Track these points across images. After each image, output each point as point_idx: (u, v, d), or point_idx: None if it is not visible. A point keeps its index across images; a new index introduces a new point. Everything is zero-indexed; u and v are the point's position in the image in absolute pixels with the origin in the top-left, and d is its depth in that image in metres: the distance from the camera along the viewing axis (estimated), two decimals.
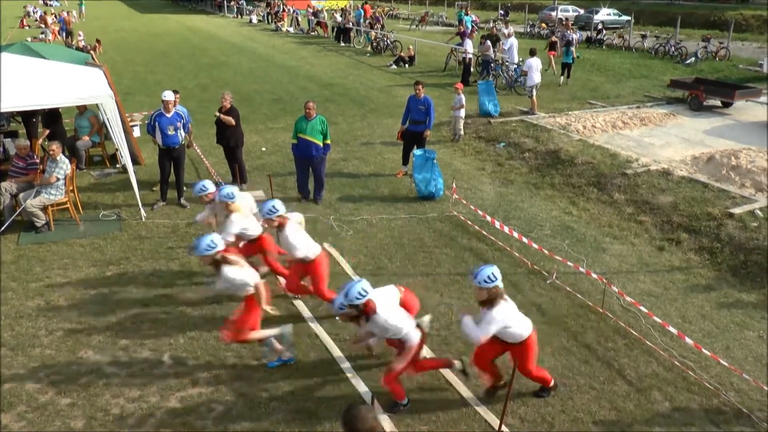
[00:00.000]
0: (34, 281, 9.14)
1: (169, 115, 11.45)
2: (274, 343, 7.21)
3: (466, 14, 37.60)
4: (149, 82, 15.30)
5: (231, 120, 12.15)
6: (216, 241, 6.71)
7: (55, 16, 41.64)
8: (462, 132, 16.36)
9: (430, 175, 12.12)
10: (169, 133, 11.43)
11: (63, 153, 11.21)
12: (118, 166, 13.49)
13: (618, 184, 12.60)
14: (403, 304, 6.66)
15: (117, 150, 12.25)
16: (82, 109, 13.76)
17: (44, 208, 10.75)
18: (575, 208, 11.87)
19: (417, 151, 12.48)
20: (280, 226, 7.77)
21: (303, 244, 7.84)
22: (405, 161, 13.48)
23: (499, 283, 6.02)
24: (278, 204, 7.74)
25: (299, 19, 46.26)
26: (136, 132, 14.13)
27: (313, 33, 42.71)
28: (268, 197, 11.70)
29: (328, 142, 11.73)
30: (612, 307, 8.46)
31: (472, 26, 34.05)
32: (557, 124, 17.28)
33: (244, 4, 57.51)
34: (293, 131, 11.81)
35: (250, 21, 51.29)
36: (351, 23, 38.08)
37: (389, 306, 6.27)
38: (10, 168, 11.50)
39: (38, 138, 13.33)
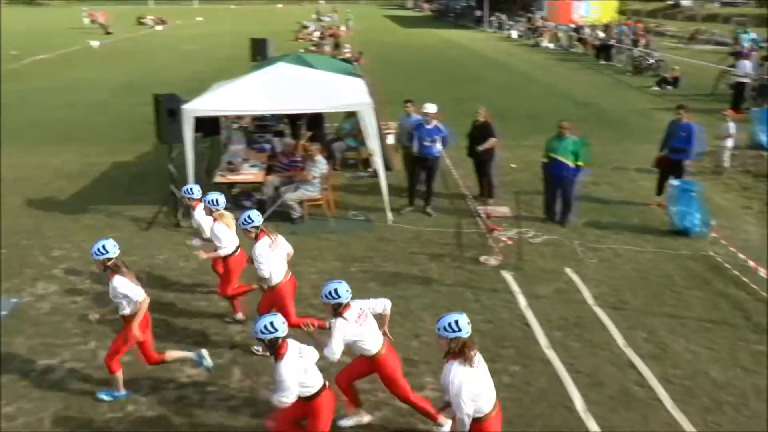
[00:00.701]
0: None
1: (429, 126, 11.87)
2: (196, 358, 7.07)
3: (745, 32, 34.31)
4: (406, 94, 15.98)
5: (492, 143, 12.28)
6: (108, 248, 6.42)
7: (326, 29, 45.62)
8: (727, 164, 14.97)
9: (688, 209, 11.20)
10: (426, 143, 11.85)
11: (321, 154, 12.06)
12: (369, 170, 14.20)
13: None
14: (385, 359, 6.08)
15: (370, 155, 12.92)
16: (351, 114, 14.54)
17: (300, 202, 11.77)
18: None
19: (675, 182, 11.63)
20: (257, 239, 7.31)
21: (270, 264, 7.26)
22: (660, 191, 12.59)
23: (464, 335, 4.91)
24: (254, 215, 7.36)
25: (560, 34, 45.54)
26: (390, 139, 14.78)
27: (572, 49, 41.82)
28: (514, 214, 11.64)
29: (581, 164, 11.36)
30: None
31: (751, 45, 30.92)
32: None
33: (505, 19, 57.85)
34: (544, 149, 11.67)
35: (509, 36, 51.50)
36: (613, 40, 36.64)
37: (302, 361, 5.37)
38: (276, 164, 12.95)
39: (301, 139, 14.52)
